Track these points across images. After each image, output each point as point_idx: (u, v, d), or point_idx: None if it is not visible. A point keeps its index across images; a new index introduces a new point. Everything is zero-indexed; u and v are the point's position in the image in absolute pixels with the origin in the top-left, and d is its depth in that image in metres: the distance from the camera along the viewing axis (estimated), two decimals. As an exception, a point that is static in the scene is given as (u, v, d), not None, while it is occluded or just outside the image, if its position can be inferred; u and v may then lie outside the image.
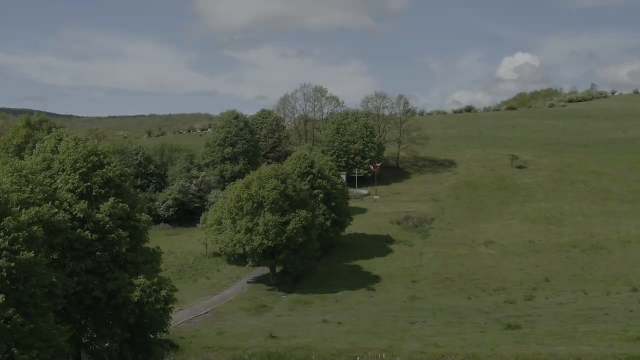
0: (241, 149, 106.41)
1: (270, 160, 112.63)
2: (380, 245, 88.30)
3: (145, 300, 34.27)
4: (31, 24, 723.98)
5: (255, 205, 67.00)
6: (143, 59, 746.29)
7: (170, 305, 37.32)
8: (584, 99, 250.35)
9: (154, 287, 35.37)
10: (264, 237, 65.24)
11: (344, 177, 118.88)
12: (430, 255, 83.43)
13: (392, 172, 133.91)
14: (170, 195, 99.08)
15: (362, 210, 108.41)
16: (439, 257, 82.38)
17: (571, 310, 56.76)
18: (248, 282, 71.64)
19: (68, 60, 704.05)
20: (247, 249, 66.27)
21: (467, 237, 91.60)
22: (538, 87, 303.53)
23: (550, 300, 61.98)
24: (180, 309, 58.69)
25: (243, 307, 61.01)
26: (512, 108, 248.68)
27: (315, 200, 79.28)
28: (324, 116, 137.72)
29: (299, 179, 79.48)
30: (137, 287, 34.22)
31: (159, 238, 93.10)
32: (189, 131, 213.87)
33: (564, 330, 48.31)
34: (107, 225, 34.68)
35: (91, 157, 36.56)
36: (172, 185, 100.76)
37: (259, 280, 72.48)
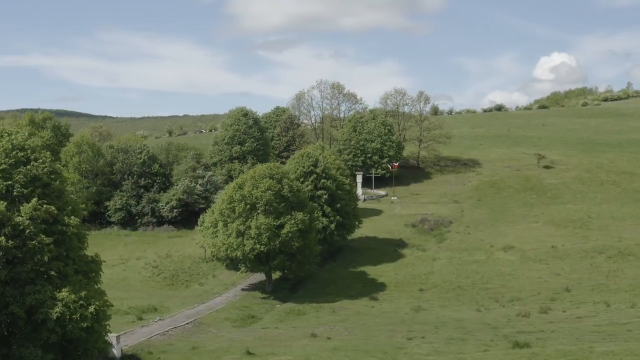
0: (250, 148, 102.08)
1: (283, 159, 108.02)
2: (391, 249, 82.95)
3: (69, 317, 29.69)
4: (66, 25, 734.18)
5: (248, 206, 62.39)
6: (178, 61, 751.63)
7: (105, 323, 32.66)
8: (619, 98, 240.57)
9: (81, 302, 30.71)
10: (256, 241, 60.56)
11: (360, 177, 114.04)
12: (443, 261, 77.78)
13: (412, 172, 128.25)
14: (174, 195, 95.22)
15: (377, 212, 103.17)
16: (452, 263, 76.69)
17: (590, 325, 50.65)
18: (242, 290, 67.06)
19: (103, 61, 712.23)
20: (238, 253, 61.55)
21: (486, 241, 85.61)
22: (574, 87, 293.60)
23: (567, 313, 55.89)
24: (159, 319, 54.58)
25: (229, 317, 56.35)
26: (543, 107, 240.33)
27: (318, 201, 74.41)
28: (341, 114, 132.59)
29: (302, 179, 74.83)
30: (59, 302, 29.68)
31: (160, 241, 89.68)
32: (210, 130, 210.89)
33: (578, 349, 42.35)
34: (28, 230, 30.25)
35: (15, 153, 32.09)
36: (177, 185, 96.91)
37: (254, 287, 67.86)
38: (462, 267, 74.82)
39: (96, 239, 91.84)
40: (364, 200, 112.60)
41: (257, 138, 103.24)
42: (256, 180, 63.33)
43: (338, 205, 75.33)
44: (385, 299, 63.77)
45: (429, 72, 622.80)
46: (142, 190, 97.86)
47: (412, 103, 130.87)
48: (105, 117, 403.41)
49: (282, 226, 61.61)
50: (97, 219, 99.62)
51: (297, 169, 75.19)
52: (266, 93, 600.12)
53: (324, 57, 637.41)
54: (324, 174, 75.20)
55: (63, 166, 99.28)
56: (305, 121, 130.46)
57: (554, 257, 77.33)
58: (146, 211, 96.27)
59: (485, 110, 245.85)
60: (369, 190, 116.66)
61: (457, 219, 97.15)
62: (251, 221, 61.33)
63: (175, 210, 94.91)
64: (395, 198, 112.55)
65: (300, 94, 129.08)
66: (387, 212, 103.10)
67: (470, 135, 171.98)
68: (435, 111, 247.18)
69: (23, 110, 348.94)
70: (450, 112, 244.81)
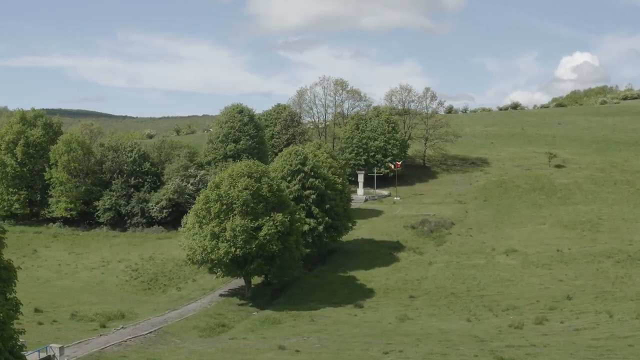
0: (245, 146, 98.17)
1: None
2: (386, 253, 78.58)
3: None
4: (87, 26, 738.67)
5: (225, 207, 58.47)
6: (199, 61, 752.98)
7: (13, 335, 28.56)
8: (639, 97, 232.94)
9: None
10: (231, 244, 56.62)
11: (361, 176, 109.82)
12: (440, 265, 73.24)
13: (417, 172, 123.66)
14: (164, 195, 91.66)
15: (377, 213, 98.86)
16: (449, 267, 72.12)
17: (587, 339, 45.96)
18: (220, 296, 63.16)
19: (124, 62, 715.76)
20: (212, 257, 57.65)
21: (488, 244, 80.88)
22: (596, 86, 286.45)
23: (565, 324, 51.11)
24: (122, 328, 50.88)
25: (198, 326, 52.47)
26: (561, 105, 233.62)
27: (306, 201, 70.32)
28: (345, 111, 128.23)
29: (289, 178, 70.82)
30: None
31: (148, 242, 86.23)
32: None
33: (569, 369, 38.06)
34: None
35: None
36: (167, 184, 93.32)
37: (233, 293, 63.95)
38: (459, 272, 70.24)
39: (82, 240, 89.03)
40: (366, 200, 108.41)
41: (253, 136, 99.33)
42: (233, 179, 59.45)
43: (327, 205, 71.09)
44: (371, 307, 59.45)
45: (450, 72, 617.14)
46: (132, 190, 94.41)
47: (418, 100, 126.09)
48: (125, 117, 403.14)
49: (260, 228, 57.59)
50: (87, 219, 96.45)
51: (285, 167, 71.15)
52: (287, 93, 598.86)
53: (344, 57, 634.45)
54: (312, 173, 71.01)
55: (52, 165, 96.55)
56: (308, 118, 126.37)
57: (559, 261, 72.43)
58: (136, 211, 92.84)
59: (500, 109, 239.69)
60: (370, 190, 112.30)
61: (460, 221, 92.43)
62: (227, 223, 57.39)
63: (165, 211, 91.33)
64: (398, 198, 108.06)
65: (302, 90, 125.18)
66: (387, 213, 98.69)
67: (483, 133, 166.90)
68: (450, 110, 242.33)
69: (44, 111, 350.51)
70: (465, 111, 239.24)
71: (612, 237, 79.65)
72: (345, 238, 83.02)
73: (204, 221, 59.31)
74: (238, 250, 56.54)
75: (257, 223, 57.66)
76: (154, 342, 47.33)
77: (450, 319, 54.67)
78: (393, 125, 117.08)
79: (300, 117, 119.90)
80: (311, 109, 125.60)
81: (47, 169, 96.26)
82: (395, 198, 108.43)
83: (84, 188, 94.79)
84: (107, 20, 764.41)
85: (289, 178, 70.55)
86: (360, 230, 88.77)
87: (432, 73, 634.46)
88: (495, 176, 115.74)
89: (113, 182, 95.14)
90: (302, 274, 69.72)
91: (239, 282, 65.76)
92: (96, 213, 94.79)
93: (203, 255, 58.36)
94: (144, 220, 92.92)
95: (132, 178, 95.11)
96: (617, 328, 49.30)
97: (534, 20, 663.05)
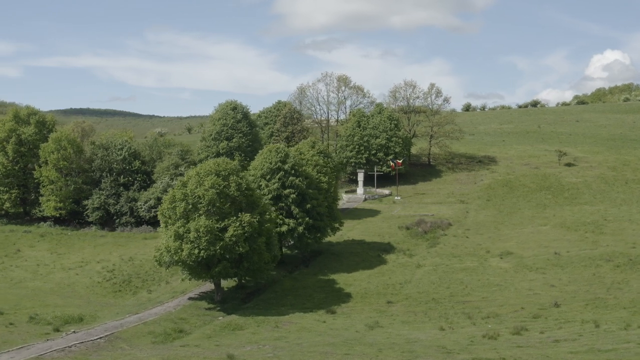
0: (237, 143, 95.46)
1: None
2: (374, 254, 75.15)
3: None
4: (116, 26, 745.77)
5: (190, 206, 55.68)
6: (227, 60, 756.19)
7: None
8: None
9: None
10: (195, 245, 53.80)
11: (361, 175, 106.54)
12: (428, 268, 69.53)
13: (421, 170, 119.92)
14: (152, 194, 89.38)
15: (374, 213, 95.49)
16: (437, 271, 68.39)
17: (564, 352, 42.03)
18: (189, 299, 60.32)
19: (154, 61, 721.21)
20: (176, 258, 54.91)
21: (483, 246, 76.95)
22: (623, 84, 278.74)
23: (545, 335, 47.18)
24: (73, 332, 48.39)
25: (154, 331, 49.70)
26: (582, 103, 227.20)
27: (286, 201, 67.23)
28: (347, 108, 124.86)
29: (269, 176, 67.84)
30: None
31: (133, 242, 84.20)
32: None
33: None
34: None
35: None
36: (157, 183, 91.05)
37: (204, 296, 61.10)
38: (446, 275, 66.49)
39: (69, 240, 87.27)
40: (365, 199, 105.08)
41: (246, 133, 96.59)
42: (201, 178, 56.61)
43: (308, 205, 67.84)
44: (343, 313, 56.10)
45: (479, 71, 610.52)
46: (121, 189, 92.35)
47: (423, 97, 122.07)
48: (152, 116, 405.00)
49: (226, 229, 54.66)
50: (76, 218, 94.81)
51: (264, 165, 68.17)
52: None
53: (372, 56, 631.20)
54: (293, 171, 67.85)
55: (42, 163, 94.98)
56: (309, 115, 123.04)
57: (554, 265, 68.21)
58: (124, 211, 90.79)
59: (520, 107, 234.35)
60: (371, 190, 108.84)
61: (459, 221, 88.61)
62: (191, 223, 54.59)
63: (153, 210, 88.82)
64: (399, 198, 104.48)
65: (302, 87, 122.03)
66: (385, 213, 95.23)
67: (497, 131, 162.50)
68: (468, 107, 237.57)
69: (71, 110, 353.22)
70: (483, 109, 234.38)
71: (615, 239, 75.16)
72: (334, 239, 79.98)
73: (169, 221, 56.60)
74: (202, 252, 53.68)
75: (223, 224, 54.72)
76: (100, 348, 44.68)
77: (424, 327, 51.07)
78: (396, 122, 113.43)
79: (300, 114, 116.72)
80: (313, 105, 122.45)
81: (36, 167, 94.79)
82: (395, 197, 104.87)
83: (73, 187, 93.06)
84: (136, 21, 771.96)
85: (268, 176, 67.56)
86: (353, 231, 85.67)
87: (462, 72, 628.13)
88: (501, 175, 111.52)
89: (102, 180, 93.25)
90: (281, 276, 66.76)
91: (212, 284, 62.90)
92: (85, 212, 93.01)
93: (168, 256, 55.65)
94: (133, 219, 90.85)
95: (122, 177, 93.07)
96: (600, 340, 45.24)
97: (564, 18, 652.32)
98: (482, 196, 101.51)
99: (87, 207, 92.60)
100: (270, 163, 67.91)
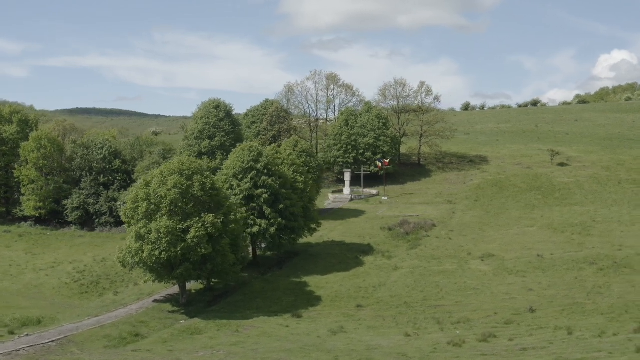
0: (219, 142, 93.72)
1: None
2: (352, 256, 73.21)
3: None
4: (122, 26, 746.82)
5: (153, 206, 53.95)
6: (233, 60, 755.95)
7: None
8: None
9: None
10: (155, 246, 52.05)
11: (348, 175, 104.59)
12: (404, 271, 67.52)
13: (411, 170, 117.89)
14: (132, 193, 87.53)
15: (358, 214, 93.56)
16: (414, 273, 66.36)
17: (529, 361, 40.07)
18: (155, 301, 58.58)
19: (159, 61, 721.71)
20: (137, 260, 53.19)
21: (465, 248, 74.89)
22: (627, 83, 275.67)
23: (513, 342, 45.01)
24: (26, 335, 46.72)
25: (110, 335, 48.00)
26: (584, 102, 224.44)
27: (257, 201, 65.41)
28: (336, 107, 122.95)
29: (240, 176, 66.06)
30: None
31: (110, 243, 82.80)
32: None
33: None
34: None
35: None
36: (137, 182, 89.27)
37: (170, 299, 59.35)
38: (422, 278, 64.46)
39: (47, 240, 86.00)
40: (351, 200, 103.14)
41: (229, 132, 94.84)
42: (164, 177, 54.85)
43: (281, 206, 65.95)
44: (310, 317, 54.19)
45: (486, 70, 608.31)
46: (101, 188, 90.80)
47: (413, 95, 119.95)
48: (158, 115, 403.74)
49: (189, 230, 52.88)
50: (56, 218, 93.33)
51: (236, 165, 66.37)
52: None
53: (379, 56, 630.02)
54: (265, 171, 66.00)
55: (22, 162, 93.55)
56: (297, 114, 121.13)
57: (536, 268, 66.09)
58: (104, 210, 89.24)
59: (520, 106, 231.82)
60: (358, 190, 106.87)
61: (444, 222, 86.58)
62: (153, 223, 52.84)
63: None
64: (386, 198, 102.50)
65: (289, 85, 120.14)
66: (369, 214, 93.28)
67: (494, 131, 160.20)
68: (467, 107, 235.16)
69: (77, 110, 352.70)
70: (482, 108, 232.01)
71: (602, 242, 72.97)
72: (314, 240, 78.20)
73: (132, 222, 54.89)
74: (163, 253, 51.92)
75: (185, 224, 52.95)
76: (49, 352, 42.96)
77: (390, 332, 49.07)
78: (384, 121, 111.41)
79: (287, 112, 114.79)
80: (302, 103, 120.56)
81: (16, 166, 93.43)
82: (382, 198, 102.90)
83: (53, 186, 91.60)
84: (141, 20, 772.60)
85: (240, 176, 65.76)
86: (334, 232, 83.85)
87: (468, 71, 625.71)
88: (492, 175, 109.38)
89: (82, 180, 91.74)
90: (253, 278, 64.97)
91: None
92: (65, 212, 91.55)
93: (130, 257, 53.94)
94: (112, 219, 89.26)
95: (102, 176, 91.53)
96: (570, 348, 43.09)
97: (571, 17, 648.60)
98: (470, 196, 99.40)
99: (66, 207, 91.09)
100: (243, 162, 66.12)
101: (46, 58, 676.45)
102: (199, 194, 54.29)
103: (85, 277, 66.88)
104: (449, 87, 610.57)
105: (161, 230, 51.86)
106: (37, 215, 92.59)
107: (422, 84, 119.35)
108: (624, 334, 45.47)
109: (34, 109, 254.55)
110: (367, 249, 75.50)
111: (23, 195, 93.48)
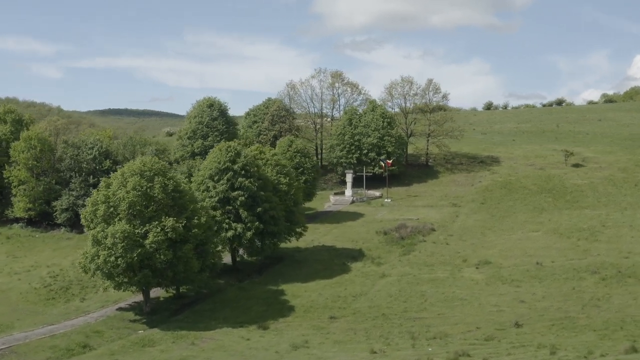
0: (213, 142, 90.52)
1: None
2: (340, 262, 69.28)
3: None
4: (155, 27, 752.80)
5: (112, 209, 50.81)
6: (265, 61, 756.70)
7: None
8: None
9: None
10: (111, 252, 48.86)
11: (350, 176, 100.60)
12: (392, 279, 63.31)
13: (418, 171, 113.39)
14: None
15: (357, 217, 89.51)
16: (401, 282, 62.10)
17: (499, 386, 35.76)
18: (119, 309, 55.46)
19: (192, 62, 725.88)
20: (92, 266, 50.07)
21: (461, 254, 70.36)
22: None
23: (487, 362, 40.71)
24: (-35, 347, 43.92)
25: (57, 346, 45.03)
26: (610, 101, 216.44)
27: (234, 204, 61.88)
28: (340, 106, 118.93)
29: (217, 177, 62.65)
30: None
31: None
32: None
33: None
34: None
35: None
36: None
37: (134, 307, 56.14)
38: (409, 287, 60.19)
39: (34, 242, 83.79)
40: (352, 202, 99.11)
41: (222, 131, 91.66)
42: (125, 178, 51.69)
43: (259, 209, 62.27)
44: (277, 329, 50.38)
45: (519, 70, 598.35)
46: (91, 189, 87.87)
47: (421, 93, 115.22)
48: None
49: (147, 234, 49.59)
50: (46, 220, 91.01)
51: (212, 165, 62.96)
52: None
53: (412, 56, 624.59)
54: (242, 172, 62.42)
55: (12, 162, 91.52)
56: (300, 112, 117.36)
57: (533, 277, 61.32)
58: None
59: (544, 105, 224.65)
60: (361, 191, 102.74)
61: (444, 226, 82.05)
62: (110, 228, 49.68)
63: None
64: (389, 200, 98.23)
65: (292, 84, 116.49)
66: (368, 217, 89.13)
67: (512, 130, 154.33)
68: (489, 106, 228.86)
69: (109, 111, 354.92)
70: (505, 107, 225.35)
71: (608, 248, 67.83)
72: (303, 244, 74.58)
73: (91, 225, 51.84)
74: (119, 259, 48.69)
75: (144, 229, 49.66)
76: (-21, 369, 40.07)
77: (356, 348, 44.93)
78: (389, 120, 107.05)
79: (288, 112, 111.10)
80: (305, 102, 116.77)
81: (6, 166, 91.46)
82: (385, 200, 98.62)
83: (43, 187, 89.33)
84: (174, 22, 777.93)
85: (216, 177, 62.33)
86: (327, 236, 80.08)
87: (501, 71, 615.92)
88: (502, 176, 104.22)
89: (72, 181, 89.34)
90: (228, 285, 61.49)
91: (153, 293, 57.82)
92: (54, 214, 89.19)
93: (88, 263, 50.88)
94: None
95: (92, 177, 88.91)
96: (549, 370, 38.64)
97: (605, 17, 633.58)
98: (477, 199, 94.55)
99: (55, 209, 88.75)
100: (219, 162, 62.70)
101: (79, 59, 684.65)
102: (159, 196, 50.98)
103: (57, 281, 64.00)
104: (481, 87, 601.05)
105: (117, 235, 48.68)
106: (27, 216, 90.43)
107: (430, 81, 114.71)
108: (613, 355, 40.54)
109: (61, 109, 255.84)
110: (357, 255, 71.52)
111: (14, 196, 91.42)
